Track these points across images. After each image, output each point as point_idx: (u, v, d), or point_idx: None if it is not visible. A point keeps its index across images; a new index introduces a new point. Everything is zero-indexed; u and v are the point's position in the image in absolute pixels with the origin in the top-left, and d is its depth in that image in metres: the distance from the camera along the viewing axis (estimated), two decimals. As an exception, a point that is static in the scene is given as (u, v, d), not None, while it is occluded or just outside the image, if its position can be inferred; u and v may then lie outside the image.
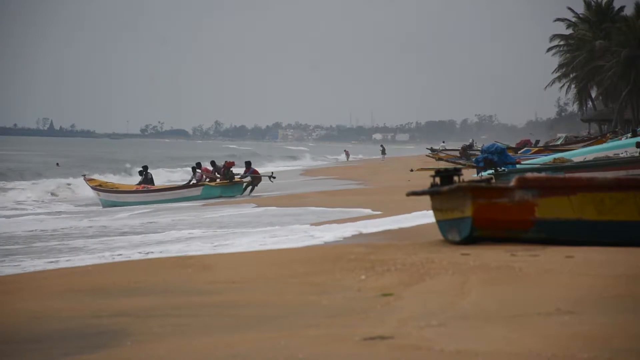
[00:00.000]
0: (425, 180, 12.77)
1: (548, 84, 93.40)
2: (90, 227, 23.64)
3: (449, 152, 51.96)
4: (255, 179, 37.50)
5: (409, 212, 18.00)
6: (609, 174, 17.01)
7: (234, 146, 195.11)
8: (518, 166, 24.59)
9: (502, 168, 23.54)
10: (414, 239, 11.84)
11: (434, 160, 42.62)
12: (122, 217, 27.57)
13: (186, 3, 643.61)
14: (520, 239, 10.29)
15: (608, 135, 56.47)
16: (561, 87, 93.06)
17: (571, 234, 10.29)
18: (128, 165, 38.36)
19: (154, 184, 37.40)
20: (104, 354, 6.01)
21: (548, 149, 46.41)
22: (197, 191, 35.62)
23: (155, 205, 32.85)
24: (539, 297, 6.99)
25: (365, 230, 15.29)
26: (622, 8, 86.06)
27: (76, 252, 16.73)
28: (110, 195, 35.30)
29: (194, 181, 36.42)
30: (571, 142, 58.31)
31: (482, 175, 23.15)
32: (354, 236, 14.66)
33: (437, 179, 10.96)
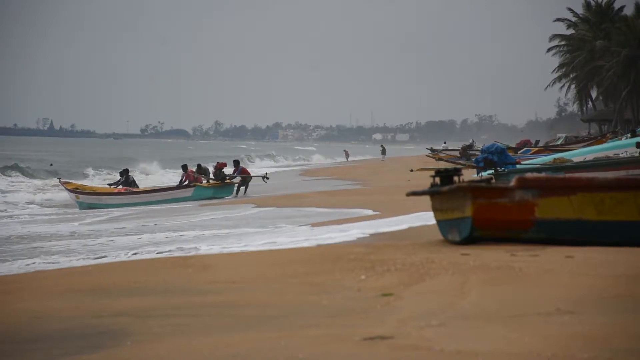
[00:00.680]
0: (425, 181, 12.77)
1: (548, 84, 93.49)
2: (89, 228, 23.64)
3: (449, 152, 51.92)
4: (246, 178, 37.27)
5: (409, 212, 18.00)
6: (609, 174, 17.03)
7: (244, 146, 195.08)
8: (518, 166, 24.59)
9: (502, 168, 23.54)
10: (414, 239, 11.84)
11: (434, 160, 42.60)
12: (118, 218, 27.57)
13: (186, 3, 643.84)
14: (520, 239, 10.29)
15: (608, 135, 56.47)
16: (561, 87, 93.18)
17: (571, 234, 10.29)
18: (145, 166, 37.68)
19: (137, 187, 36.85)
20: (104, 354, 6.01)
21: (548, 149, 46.40)
22: (188, 192, 35.45)
23: (141, 207, 32.53)
24: (539, 297, 6.99)
25: (365, 231, 15.29)
26: (622, 8, 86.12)
27: (75, 254, 16.73)
28: (91, 198, 34.86)
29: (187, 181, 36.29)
30: (571, 142, 58.31)
31: (482, 176, 23.16)
32: (354, 236, 14.65)
33: (437, 179, 10.96)
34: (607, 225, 10.32)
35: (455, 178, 10.97)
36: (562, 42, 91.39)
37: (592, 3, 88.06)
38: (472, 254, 9.33)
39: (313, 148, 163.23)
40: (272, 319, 6.76)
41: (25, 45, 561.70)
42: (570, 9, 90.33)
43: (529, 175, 10.72)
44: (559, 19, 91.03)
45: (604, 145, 32.84)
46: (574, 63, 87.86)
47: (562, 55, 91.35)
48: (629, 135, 37.45)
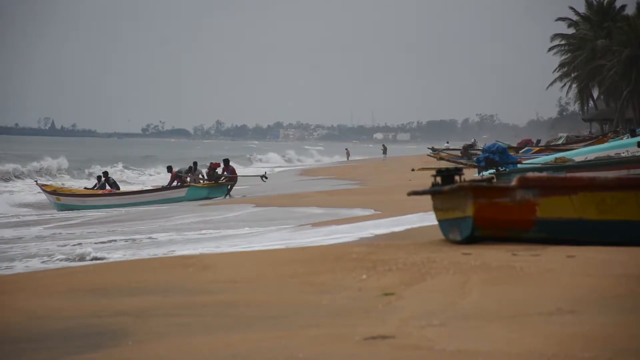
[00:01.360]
0: (426, 180, 12.76)
1: (549, 84, 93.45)
2: (90, 227, 23.66)
3: (450, 152, 51.88)
4: (232, 179, 36.98)
5: (410, 212, 17.99)
6: (611, 174, 17.00)
7: (253, 145, 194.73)
8: (519, 166, 24.59)
9: (504, 168, 23.53)
10: (415, 238, 11.83)
11: (435, 159, 42.55)
12: (121, 218, 27.59)
13: (186, 3, 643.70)
14: (521, 239, 10.28)
15: (609, 134, 56.44)
16: (562, 87, 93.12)
17: (572, 234, 10.28)
18: (169, 165, 37.28)
19: (118, 189, 36.47)
20: (104, 354, 6.00)
21: (549, 148, 46.37)
22: (182, 192, 35.28)
23: (123, 208, 32.36)
24: (540, 296, 6.98)
25: (366, 230, 15.28)
26: (623, 7, 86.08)
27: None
28: (74, 199, 34.49)
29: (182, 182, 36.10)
30: (572, 142, 58.27)
31: (483, 175, 23.15)
32: (354, 236, 14.65)
33: (439, 179, 10.95)
34: (609, 225, 10.31)
35: (457, 177, 10.95)
36: (563, 42, 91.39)
37: (594, 2, 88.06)
38: (473, 253, 9.32)
39: (321, 147, 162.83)
40: (272, 319, 6.75)
41: (25, 45, 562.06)
42: (572, 8, 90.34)
43: (530, 174, 10.71)
44: (560, 18, 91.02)
45: (605, 144, 32.82)
46: (575, 62, 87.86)
47: (564, 54, 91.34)
48: (628, 134, 37.43)
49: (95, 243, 18.59)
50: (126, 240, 18.53)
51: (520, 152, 41.92)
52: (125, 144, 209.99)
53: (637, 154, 25.03)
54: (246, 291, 8.13)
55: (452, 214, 10.64)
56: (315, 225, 18.36)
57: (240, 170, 45.81)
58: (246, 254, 12.37)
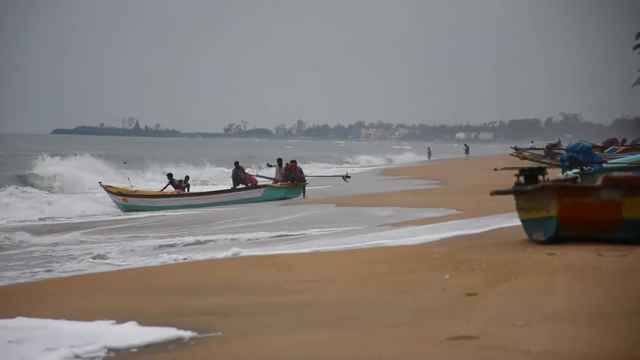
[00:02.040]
0: (509, 180, 12.65)
1: (635, 82, 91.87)
2: (167, 228, 23.90)
3: (533, 151, 51.36)
4: (301, 179, 36.48)
5: (493, 211, 17.84)
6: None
7: (342, 144, 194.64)
8: (604, 165, 24.25)
9: (588, 167, 23.23)
10: (498, 238, 11.73)
11: (518, 159, 42.18)
12: (199, 218, 27.81)
13: (268, 1, 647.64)
14: (606, 239, 10.14)
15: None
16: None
17: (660, 234, 10.11)
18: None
19: (183, 190, 36.01)
20: (189, 352, 6.05)
21: (635, 148, 45.61)
22: (258, 193, 35.02)
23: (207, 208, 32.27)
24: (625, 298, 6.88)
25: (448, 230, 15.19)
26: None
27: (160, 252, 16.95)
28: (143, 200, 34.12)
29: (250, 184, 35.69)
30: (659, 141, 57.20)
31: (567, 175, 22.89)
32: (436, 236, 14.57)
33: (522, 178, 10.86)
34: (696, 225, 10.11)
35: (540, 177, 10.85)
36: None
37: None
38: (558, 253, 9.22)
39: (408, 147, 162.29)
40: (354, 319, 6.75)
41: (115, 48, 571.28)
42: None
43: (615, 174, 10.55)
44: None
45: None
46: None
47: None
48: None
49: (177, 244, 18.79)
50: (205, 242, 18.66)
51: (605, 151, 41.34)
52: (213, 144, 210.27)
53: None
54: (328, 291, 8.15)
55: (536, 213, 10.54)
56: (396, 225, 18.30)
57: (325, 171, 45.66)
58: (328, 253, 12.39)
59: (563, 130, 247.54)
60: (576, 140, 37.90)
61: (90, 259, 16.29)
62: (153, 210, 32.88)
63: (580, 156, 23.34)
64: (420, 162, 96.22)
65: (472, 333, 5.91)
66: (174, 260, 14.94)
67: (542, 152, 47.23)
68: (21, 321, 7.14)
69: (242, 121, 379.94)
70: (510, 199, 11.28)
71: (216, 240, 18.85)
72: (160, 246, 18.24)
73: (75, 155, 59.97)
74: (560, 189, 10.27)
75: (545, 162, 32.50)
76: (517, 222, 11.41)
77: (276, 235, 18.85)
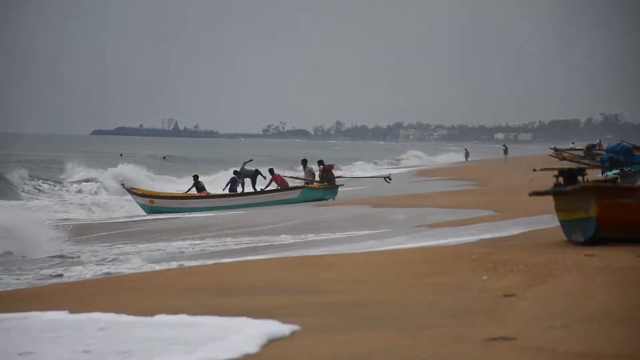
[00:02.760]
0: (548, 180, 12.60)
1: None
2: (197, 230, 23.98)
3: (572, 152, 50.99)
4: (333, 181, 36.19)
5: (531, 212, 17.76)
6: None
7: (384, 144, 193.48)
8: (645, 166, 24.03)
9: (628, 168, 23.05)
10: (536, 239, 11.69)
11: (557, 160, 41.88)
12: (234, 220, 27.88)
13: (307, 3, 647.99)
14: (646, 241, 10.08)
15: None
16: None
17: (700, 236, 10.03)
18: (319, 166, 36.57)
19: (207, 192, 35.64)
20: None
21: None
22: (294, 194, 34.59)
23: (250, 209, 31.97)
24: (666, 299, 6.85)
25: (486, 231, 15.15)
26: None
27: (201, 255, 17.02)
28: (172, 202, 33.76)
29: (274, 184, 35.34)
30: (701, 141, 56.62)
31: (607, 175, 22.72)
32: (474, 236, 14.54)
33: (561, 179, 10.82)
34: None
35: (579, 178, 10.81)
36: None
37: None
38: (597, 254, 9.18)
39: (454, 148, 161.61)
40: (393, 319, 6.76)
41: (154, 49, 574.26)
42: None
43: (656, 175, 10.49)
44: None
45: None
46: None
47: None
48: None
49: (214, 245, 18.86)
50: (238, 243, 18.70)
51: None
52: (256, 144, 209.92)
53: None
54: (366, 291, 8.17)
55: (575, 214, 10.50)
56: (433, 225, 18.25)
57: (367, 172, 45.32)
58: (365, 254, 12.40)
59: (603, 130, 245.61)
60: (616, 140, 37.61)
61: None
62: (181, 212, 32.57)
63: (620, 157, 23.18)
64: (457, 163, 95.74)
65: (510, 334, 5.91)
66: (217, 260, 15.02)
67: (581, 153, 46.89)
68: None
69: (281, 122, 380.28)
70: (549, 200, 11.23)
71: (255, 241, 18.89)
72: (188, 246, 18.33)
73: (121, 155, 59.99)
74: (599, 189, 10.22)
75: (584, 163, 32.27)
76: (555, 223, 11.35)
77: (313, 236, 18.86)
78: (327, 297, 7.94)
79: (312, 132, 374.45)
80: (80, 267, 15.77)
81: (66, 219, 30.07)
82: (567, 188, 10.52)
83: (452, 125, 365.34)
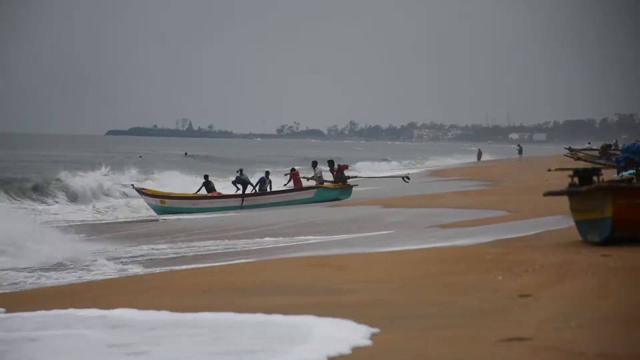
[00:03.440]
0: (563, 181, 12.56)
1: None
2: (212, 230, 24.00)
3: (588, 152, 50.87)
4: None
5: (546, 213, 17.70)
6: None
7: (400, 144, 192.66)
8: (661, 166, 23.92)
9: (644, 168, 22.93)
10: (551, 239, 11.64)
11: (572, 160, 41.80)
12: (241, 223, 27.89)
13: (324, 3, 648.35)
14: (662, 241, 10.03)
15: None
16: None
17: None
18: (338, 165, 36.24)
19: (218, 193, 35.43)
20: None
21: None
22: (309, 194, 34.42)
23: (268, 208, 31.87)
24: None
25: (501, 231, 15.10)
26: None
27: (215, 256, 17.03)
28: (184, 202, 33.60)
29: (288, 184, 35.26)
30: None
31: (622, 175, 22.63)
32: (489, 237, 14.49)
33: (576, 179, 10.78)
34: None
35: (595, 178, 10.76)
36: None
37: None
38: (613, 255, 9.13)
39: (474, 148, 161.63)
40: (406, 319, 6.74)
41: (168, 48, 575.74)
42: None
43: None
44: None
45: None
46: None
47: None
48: None
49: (229, 246, 18.87)
50: (248, 244, 18.71)
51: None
52: (273, 144, 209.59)
53: None
54: (380, 291, 8.14)
55: (590, 214, 10.45)
56: (447, 226, 18.21)
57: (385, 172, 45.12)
58: (379, 254, 12.37)
59: (618, 130, 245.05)
60: (632, 140, 37.47)
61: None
62: (193, 213, 32.50)
63: (636, 157, 23.05)
64: (470, 163, 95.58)
65: (525, 334, 5.87)
66: (232, 260, 15.02)
67: (596, 153, 46.78)
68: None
69: (295, 122, 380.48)
70: (564, 200, 11.19)
71: (269, 240, 18.89)
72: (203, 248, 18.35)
73: (140, 157, 59.77)
74: (615, 190, 10.17)
75: (600, 163, 32.17)
76: (571, 223, 11.31)
77: (326, 236, 18.84)
78: (340, 297, 7.92)
79: (325, 132, 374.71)
80: (120, 266, 15.74)
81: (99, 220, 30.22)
82: (582, 188, 10.48)
83: (466, 125, 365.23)
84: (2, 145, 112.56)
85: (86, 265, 15.90)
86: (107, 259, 16.36)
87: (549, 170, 32.76)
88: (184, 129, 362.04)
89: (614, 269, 8.26)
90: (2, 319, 7.68)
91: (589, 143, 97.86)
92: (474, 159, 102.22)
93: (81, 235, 20.96)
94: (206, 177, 36.10)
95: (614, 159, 27.40)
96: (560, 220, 14.78)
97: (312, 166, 36.24)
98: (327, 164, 36.41)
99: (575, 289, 7.50)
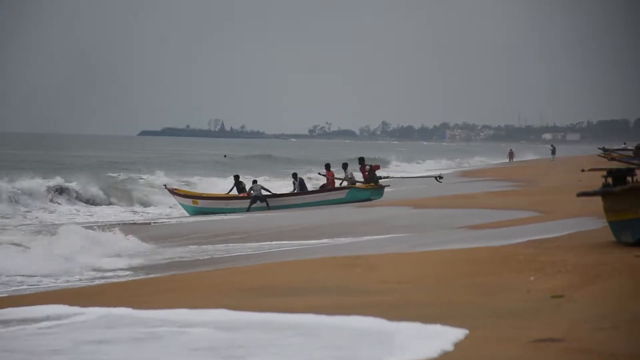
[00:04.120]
0: (597, 181, 12.47)
1: None
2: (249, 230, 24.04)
3: (622, 152, 50.56)
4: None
5: (579, 213, 17.61)
6: None
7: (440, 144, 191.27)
8: (696, 166, 23.75)
9: (679, 168, 22.78)
10: (585, 240, 11.57)
11: (606, 160, 41.56)
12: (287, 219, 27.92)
13: (358, 3, 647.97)
14: (697, 241, 9.93)
15: None
16: None
17: None
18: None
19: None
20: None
21: None
22: (341, 194, 34.38)
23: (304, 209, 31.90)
24: None
25: (533, 232, 15.02)
26: None
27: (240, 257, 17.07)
28: (216, 203, 33.61)
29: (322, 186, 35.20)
30: None
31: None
32: (521, 237, 14.42)
33: (609, 179, 10.70)
34: None
35: (629, 178, 10.68)
36: None
37: None
38: (647, 256, 9.06)
39: (511, 148, 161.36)
40: (438, 320, 6.71)
41: (201, 50, 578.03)
42: None
43: None
44: None
45: None
46: None
47: None
48: None
49: (255, 246, 18.91)
50: (279, 246, 18.71)
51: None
52: (308, 145, 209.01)
53: None
54: (411, 291, 8.13)
55: (624, 215, 10.37)
56: (478, 226, 18.14)
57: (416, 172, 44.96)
58: (410, 255, 12.34)
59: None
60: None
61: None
62: (226, 213, 32.62)
63: (671, 157, 22.92)
64: (502, 164, 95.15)
65: (558, 335, 5.84)
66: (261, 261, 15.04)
67: (630, 153, 46.47)
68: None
69: (327, 122, 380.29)
70: (598, 201, 11.12)
71: (296, 244, 18.89)
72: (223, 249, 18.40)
73: (225, 157, 59.86)
74: (649, 190, 10.09)
75: (634, 163, 31.97)
76: (604, 223, 11.23)
77: (354, 237, 18.82)
78: (371, 297, 7.91)
79: (357, 132, 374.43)
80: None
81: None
82: (616, 188, 10.40)
83: (499, 126, 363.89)
84: (54, 146, 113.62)
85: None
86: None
87: (582, 170, 32.57)
88: (216, 129, 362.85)
89: (648, 270, 8.21)
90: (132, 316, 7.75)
91: (624, 143, 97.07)
92: (505, 159, 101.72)
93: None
94: (237, 177, 36.16)
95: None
96: (593, 221, 14.70)
97: (343, 168, 36.16)
98: (358, 161, 36.35)
99: (609, 290, 7.44)
